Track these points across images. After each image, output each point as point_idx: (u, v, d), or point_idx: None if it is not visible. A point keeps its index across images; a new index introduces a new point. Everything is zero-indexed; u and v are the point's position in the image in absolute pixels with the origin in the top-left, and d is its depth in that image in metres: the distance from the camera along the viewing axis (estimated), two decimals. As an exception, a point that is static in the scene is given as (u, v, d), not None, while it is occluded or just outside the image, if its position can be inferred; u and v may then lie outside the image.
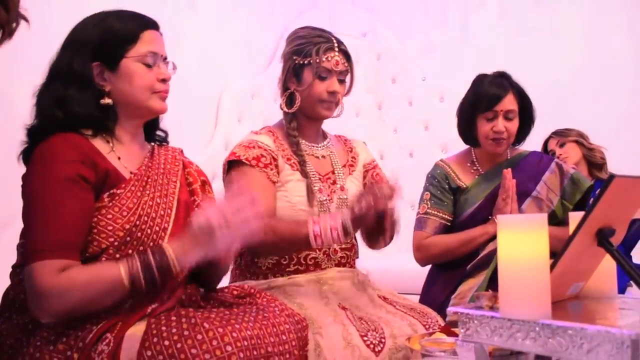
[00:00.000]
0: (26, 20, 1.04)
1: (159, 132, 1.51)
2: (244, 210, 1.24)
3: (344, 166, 1.89)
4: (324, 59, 1.74)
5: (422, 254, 2.12)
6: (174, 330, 1.16)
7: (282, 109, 1.82)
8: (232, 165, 1.76)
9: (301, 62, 1.76)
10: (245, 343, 1.16)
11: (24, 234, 1.28)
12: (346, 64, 1.79)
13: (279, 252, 1.72)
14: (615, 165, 2.78)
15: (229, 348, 1.14)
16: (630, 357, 0.93)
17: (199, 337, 1.14)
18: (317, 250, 1.73)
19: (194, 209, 1.41)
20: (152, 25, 1.39)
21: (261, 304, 1.33)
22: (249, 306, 1.31)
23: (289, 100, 1.80)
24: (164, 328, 1.17)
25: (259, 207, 1.27)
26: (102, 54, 1.33)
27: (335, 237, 1.57)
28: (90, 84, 1.32)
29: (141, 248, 1.27)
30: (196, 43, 2.81)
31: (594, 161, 2.92)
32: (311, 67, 1.75)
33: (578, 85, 3.55)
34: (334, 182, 1.83)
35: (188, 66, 2.77)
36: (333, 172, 1.84)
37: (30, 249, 1.19)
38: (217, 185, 2.65)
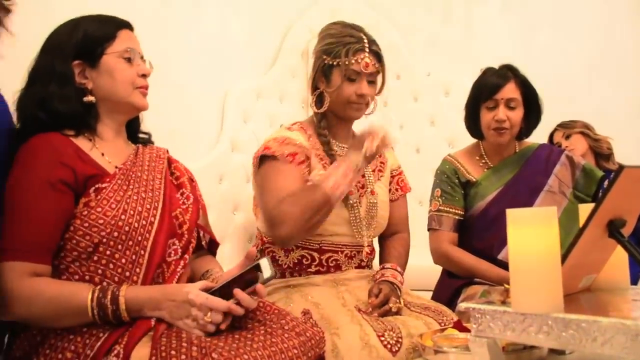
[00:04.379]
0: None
1: (142, 135, 1.53)
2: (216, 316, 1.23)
3: (373, 171, 1.84)
4: (353, 61, 1.69)
5: (438, 259, 2.11)
6: (182, 357, 1.12)
7: (311, 108, 1.78)
8: (264, 160, 1.69)
9: (330, 62, 1.71)
10: None
11: None
12: (377, 65, 1.73)
13: (309, 226, 1.61)
14: (625, 155, 2.77)
15: None
16: (645, 349, 0.92)
17: None
18: (339, 252, 1.71)
19: (182, 203, 1.42)
20: (126, 25, 1.43)
21: (270, 323, 1.29)
22: (258, 326, 1.28)
23: (319, 100, 1.76)
24: (173, 352, 1.13)
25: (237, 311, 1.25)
26: (83, 52, 1.35)
27: (351, 178, 1.60)
28: (71, 81, 1.34)
29: (130, 243, 1.27)
30: (200, 44, 2.82)
31: (600, 152, 2.90)
32: (340, 68, 1.69)
33: (583, 77, 3.53)
34: (363, 186, 1.79)
35: (192, 67, 2.77)
36: (363, 176, 1.79)
37: (1, 247, 1.20)
38: (225, 186, 2.65)
